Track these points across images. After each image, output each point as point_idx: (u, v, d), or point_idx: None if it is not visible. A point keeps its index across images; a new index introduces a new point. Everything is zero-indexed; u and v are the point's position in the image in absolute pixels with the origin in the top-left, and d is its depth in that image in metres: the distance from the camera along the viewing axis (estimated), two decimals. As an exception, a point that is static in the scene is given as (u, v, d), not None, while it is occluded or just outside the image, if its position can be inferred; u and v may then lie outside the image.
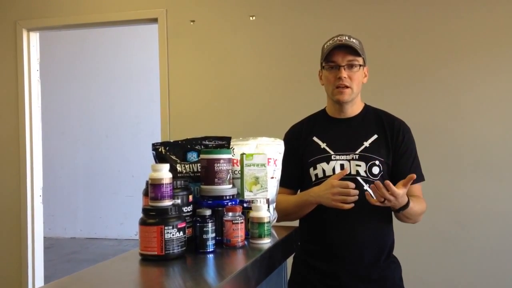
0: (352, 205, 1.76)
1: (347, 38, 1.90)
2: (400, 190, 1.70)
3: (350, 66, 1.88)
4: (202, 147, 1.63)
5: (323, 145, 1.93)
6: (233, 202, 1.53)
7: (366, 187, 1.85)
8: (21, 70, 4.07)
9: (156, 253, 1.31)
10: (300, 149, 1.96)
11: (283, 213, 1.86)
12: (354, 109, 1.97)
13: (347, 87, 1.88)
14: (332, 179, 1.80)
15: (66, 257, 6.66)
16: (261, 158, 1.64)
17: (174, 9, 3.82)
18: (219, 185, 1.53)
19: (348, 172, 1.84)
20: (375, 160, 1.87)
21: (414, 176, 1.72)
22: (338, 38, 1.91)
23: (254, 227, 1.52)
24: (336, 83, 1.88)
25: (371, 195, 1.76)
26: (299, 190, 1.99)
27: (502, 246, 3.29)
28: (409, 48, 3.44)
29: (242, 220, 1.48)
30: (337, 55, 1.88)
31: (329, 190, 1.77)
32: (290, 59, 3.63)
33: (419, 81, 3.43)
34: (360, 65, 1.89)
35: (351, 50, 1.87)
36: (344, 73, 1.87)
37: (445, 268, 3.34)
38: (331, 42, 1.92)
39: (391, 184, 1.69)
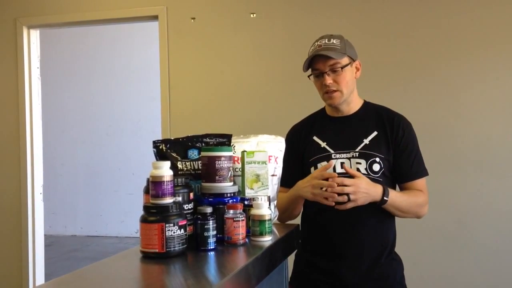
0: (333, 203, 1.73)
1: (326, 41, 1.88)
2: (353, 179, 1.71)
3: (333, 70, 1.87)
4: (203, 144, 1.63)
5: (323, 144, 1.93)
6: (234, 200, 1.53)
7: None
8: (21, 67, 4.07)
9: (157, 250, 1.30)
10: (300, 148, 1.96)
11: (281, 211, 1.86)
12: (351, 107, 1.96)
13: (334, 91, 1.87)
14: (316, 171, 1.80)
15: (66, 255, 6.67)
16: (262, 156, 1.63)
17: (175, 7, 3.81)
18: (220, 182, 1.53)
19: (333, 165, 1.83)
20: (375, 157, 1.86)
21: (345, 165, 1.78)
22: (318, 43, 1.89)
23: (255, 225, 1.52)
24: (324, 89, 1.88)
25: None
26: None
27: (503, 244, 3.29)
28: (409, 46, 3.44)
29: (243, 218, 1.48)
30: (318, 63, 1.87)
31: (309, 183, 1.77)
32: (291, 57, 3.62)
33: (419, 79, 3.42)
34: (343, 67, 1.86)
35: (331, 54, 1.85)
36: (329, 79, 1.86)
37: (447, 266, 3.34)
38: (312, 48, 1.91)
39: (336, 178, 1.71)
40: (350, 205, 1.73)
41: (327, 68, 1.86)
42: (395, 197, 1.80)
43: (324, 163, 1.88)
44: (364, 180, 1.75)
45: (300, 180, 1.84)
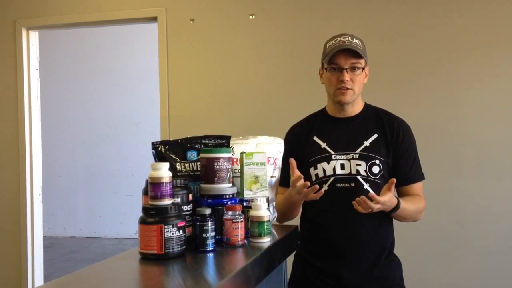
0: (321, 192, 1.72)
1: (350, 39, 1.89)
2: (385, 197, 1.71)
3: (353, 68, 1.87)
4: (202, 146, 1.63)
5: (323, 145, 1.93)
6: (233, 201, 1.53)
7: (366, 186, 1.85)
8: (20, 69, 4.07)
9: (156, 252, 1.31)
10: (300, 148, 1.96)
11: (279, 212, 1.86)
12: (354, 109, 1.97)
13: (348, 89, 1.88)
14: (291, 180, 1.76)
15: (65, 256, 6.66)
16: (261, 157, 1.63)
17: (174, 8, 3.82)
18: (219, 184, 1.53)
19: (348, 171, 1.84)
20: (375, 160, 1.87)
21: (395, 180, 1.73)
22: (341, 39, 1.89)
23: (254, 226, 1.52)
24: (338, 85, 1.88)
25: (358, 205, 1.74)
26: None
27: (501, 245, 3.29)
28: (408, 47, 3.44)
29: (242, 219, 1.48)
30: (340, 58, 1.87)
31: (294, 191, 1.77)
32: (290, 58, 3.63)
33: (418, 80, 3.43)
34: (362, 68, 1.88)
35: (354, 53, 1.86)
36: (347, 76, 1.86)
37: (445, 267, 3.34)
38: (334, 42, 1.90)
39: (375, 196, 1.70)
40: (367, 212, 1.73)
41: (347, 65, 1.86)
42: (403, 208, 1.82)
43: (324, 163, 1.89)
44: (391, 195, 1.75)
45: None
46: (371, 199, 1.69)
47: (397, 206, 1.78)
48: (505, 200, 3.29)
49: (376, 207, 1.70)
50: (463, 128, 3.36)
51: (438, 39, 3.40)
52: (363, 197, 1.69)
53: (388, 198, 1.72)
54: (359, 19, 3.50)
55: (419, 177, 1.94)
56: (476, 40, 3.35)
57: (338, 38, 1.90)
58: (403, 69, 3.45)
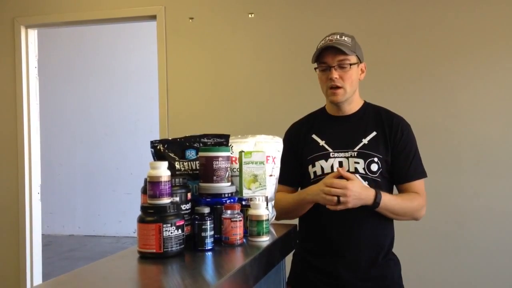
0: (340, 207, 1.73)
1: (338, 37, 1.89)
2: (344, 182, 1.72)
3: (341, 66, 1.87)
4: (201, 144, 1.63)
5: (322, 143, 1.93)
6: (232, 200, 1.53)
7: (364, 184, 1.84)
8: (19, 67, 4.06)
9: (154, 250, 1.30)
10: (299, 146, 1.96)
11: (282, 212, 1.86)
12: (352, 107, 1.97)
13: (339, 87, 1.88)
14: (328, 177, 1.80)
15: (64, 255, 6.66)
16: (259, 156, 1.63)
17: (173, 6, 3.81)
18: (218, 182, 1.53)
19: (346, 169, 1.84)
20: (373, 157, 1.87)
21: (341, 168, 1.77)
22: (329, 38, 1.90)
23: (252, 225, 1.52)
24: (328, 84, 1.89)
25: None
26: (299, 188, 1.99)
27: (500, 244, 3.30)
28: (407, 45, 3.44)
29: (241, 218, 1.48)
30: (327, 56, 1.88)
31: (321, 190, 1.77)
32: (289, 57, 3.62)
33: (417, 78, 3.43)
34: (351, 64, 1.88)
35: (340, 50, 1.85)
36: (335, 74, 1.86)
37: (444, 266, 3.35)
38: (322, 42, 1.91)
39: (329, 180, 1.73)
40: (340, 207, 1.73)
41: (335, 62, 1.87)
42: (388, 201, 1.80)
43: (322, 161, 1.89)
44: (357, 184, 1.75)
45: (313, 185, 1.84)
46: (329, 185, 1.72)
47: (377, 197, 1.77)
48: (505, 199, 3.29)
49: (340, 191, 1.70)
50: (462, 127, 3.36)
51: (438, 38, 3.40)
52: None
53: (348, 183, 1.72)
54: (358, 18, 3.50)
55: (419, 175, 1.92)
56: (475, 39, 3.35)
57: (327, 38, 1.92)
58: (402, 68, 3.45)
